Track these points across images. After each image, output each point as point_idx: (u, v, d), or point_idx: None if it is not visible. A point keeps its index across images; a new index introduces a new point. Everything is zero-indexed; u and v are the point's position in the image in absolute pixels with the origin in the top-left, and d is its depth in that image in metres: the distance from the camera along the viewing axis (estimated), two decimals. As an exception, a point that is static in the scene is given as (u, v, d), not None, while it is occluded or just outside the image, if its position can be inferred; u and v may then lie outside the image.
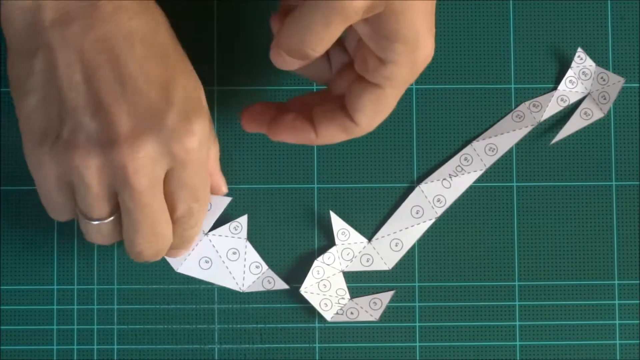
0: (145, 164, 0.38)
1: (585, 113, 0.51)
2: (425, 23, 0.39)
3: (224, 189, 0.48)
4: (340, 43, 0.44)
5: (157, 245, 0.42)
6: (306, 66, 0.42)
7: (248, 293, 0.50)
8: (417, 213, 0.50)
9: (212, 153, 0.46)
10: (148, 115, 0.38)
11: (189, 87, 0.41)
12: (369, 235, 0.51)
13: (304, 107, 0.44)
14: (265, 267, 0.50)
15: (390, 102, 0.41)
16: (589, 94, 0.51)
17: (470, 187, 0.51)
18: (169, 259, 0.49)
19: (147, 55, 0.39)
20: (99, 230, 0.42)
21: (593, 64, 0.51)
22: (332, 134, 0.43)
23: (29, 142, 0.39)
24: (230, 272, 0.50)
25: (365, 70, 0.40)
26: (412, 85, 0.50)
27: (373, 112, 0.41)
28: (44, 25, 0.38)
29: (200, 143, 0.40)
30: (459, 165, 0.51)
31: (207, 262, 0.50)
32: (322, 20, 0.37)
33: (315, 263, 0.50)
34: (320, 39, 0.38)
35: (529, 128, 0.51)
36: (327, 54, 0.44)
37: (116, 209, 0.41)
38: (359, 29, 0.39)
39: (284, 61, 0.40)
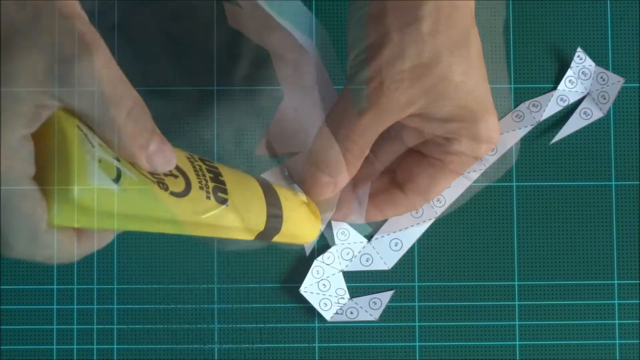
0: None
1: (585, 113, 0.51)
2: (476, 99, 0.36)
3: None
4: None
5: None
6: None
7: (247, 293, 0.50)
8: (416, 213, 0.50)
9: None
10: None
11: None
12: (369, 235, 0.51)
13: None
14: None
15: (446, 179, 0.39)
16: (588, 93, 0.51)
17: (470, 187, 0.51)
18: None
19: None
20: None
21: (593, 64, 0.51)
22: (376, 204, 0.41)
23: None
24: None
25: (422, 145, 0.39)
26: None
27: (427, 184, 0.39)
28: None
29: None
30: (458, 165, 0.51)
31: None
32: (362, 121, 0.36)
33: (315, 263, 0.50)
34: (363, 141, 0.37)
35: (529, 128, 0.51)
36: None
37: None
38: (409, 122, 0.38)
39: (321, 182, 0.39)
